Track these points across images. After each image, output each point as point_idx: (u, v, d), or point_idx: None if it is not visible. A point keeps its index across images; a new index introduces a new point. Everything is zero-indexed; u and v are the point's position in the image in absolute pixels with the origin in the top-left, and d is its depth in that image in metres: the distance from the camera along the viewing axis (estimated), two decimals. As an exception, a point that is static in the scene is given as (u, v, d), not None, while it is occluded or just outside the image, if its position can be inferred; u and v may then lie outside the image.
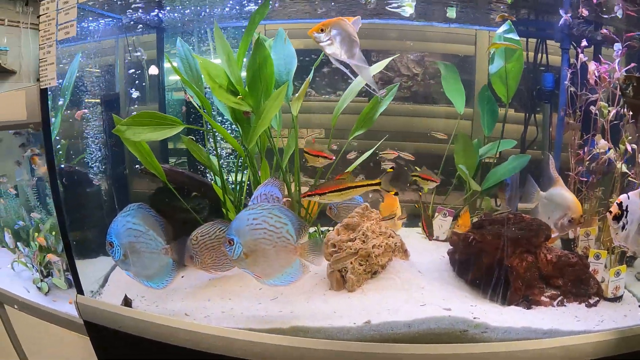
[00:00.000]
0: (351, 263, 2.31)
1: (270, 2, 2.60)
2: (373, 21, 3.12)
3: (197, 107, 2.59)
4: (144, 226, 2.11)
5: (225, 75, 2.47)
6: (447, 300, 2.28)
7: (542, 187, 2.59)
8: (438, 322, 2.14)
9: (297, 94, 2.62)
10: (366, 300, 2.28)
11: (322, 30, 1.85)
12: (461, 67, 3.83)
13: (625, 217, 2.10)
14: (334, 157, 2.56)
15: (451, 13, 2.63)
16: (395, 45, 3.87)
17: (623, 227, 2.11)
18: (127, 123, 2.28)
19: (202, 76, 2.49)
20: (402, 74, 4.10)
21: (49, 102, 2.42)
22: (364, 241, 2.37)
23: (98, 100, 2.82)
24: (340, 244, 2.37)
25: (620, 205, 2.09)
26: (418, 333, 2.12)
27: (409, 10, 2.66)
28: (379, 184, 2.16)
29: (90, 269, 2.66)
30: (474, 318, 2.17)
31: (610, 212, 2.09)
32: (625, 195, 2.10)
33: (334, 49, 1.89)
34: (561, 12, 2.61)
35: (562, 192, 2.52)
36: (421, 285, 2.35)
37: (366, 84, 2.32)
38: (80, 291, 2.55)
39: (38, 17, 2.42)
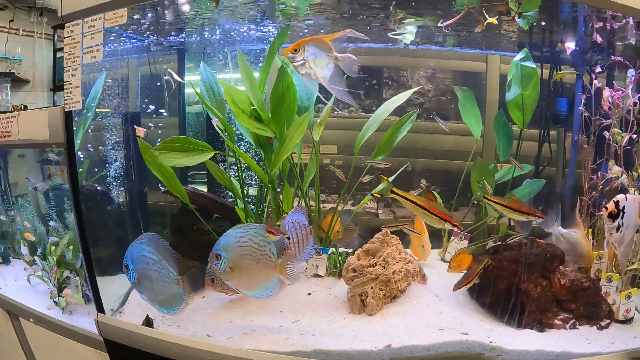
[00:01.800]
0: (372, 288, 2.35)
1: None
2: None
3: (220, 132, 2.63)
4: (157, 255, 2.20)
5: (249, 101, 2.51)
6: (464, 324, 2.33)
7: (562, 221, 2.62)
8: (456, 346, 2.20)
9: (318, 120, 2.66)
10: (386, 324, 2.33)
11: (295, 50, 1.84)
12: (472, 84, 3.88)
13: (621, 217, 2.14)
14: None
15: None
16: (407, 61, 3.92)
17: (618, 229, 2.16)
18: (161, 148, 2.32)
19: (226, 101, 2.53)
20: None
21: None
22: (384, 267, 2.42)
23: (119, 118, 2.84)
24: (361, 269, 2.41)
25: (617, 204, 2.12)
26: (437, 356, 2.17)
27: (409, 37, 2.70)
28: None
29: (109, 287, 2.69)
30: (490, 342, 2.23)
31: (606, 208, 2.12)
32: (623, 195, 2.14)
33: (307, 70, 1.89)
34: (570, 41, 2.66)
35: (580, 239, 2.56)
36: (439, 309, 2.41)
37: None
38: (100, 309, 2.59)
39: (53, 27, 2.44)
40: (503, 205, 2.43)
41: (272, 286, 2.18)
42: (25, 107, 4.20)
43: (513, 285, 2.50)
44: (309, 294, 2.64)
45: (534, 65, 2.72)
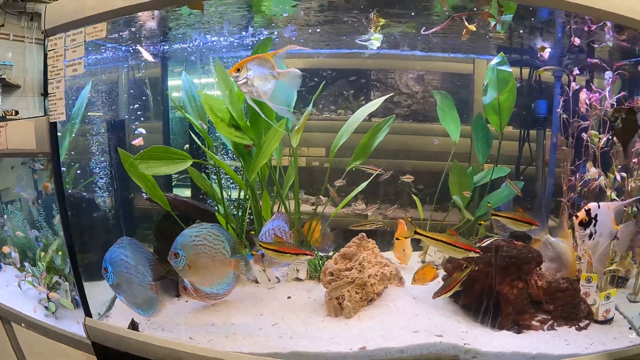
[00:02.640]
0: (348, 291, 2.40)
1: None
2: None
3: (197, 140, 2.69)
4: (134, 260, 2.32)
5: (227, 110, 2.56)
6: (440, 326, 2.37)
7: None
8: (430, 348, 2.23)
9: (297, 127, 2.71)
10: (362, 326, 2.38)
11: (238, 69, 1.90)
12: (460, 85, 3.91)
13: (594, 225, 2.15)
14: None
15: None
16: (395, 64, 3.96)
17: (591, 236, 2.17)
18: (141, 157, 2.39)
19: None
20: (401, 92, 4.19)
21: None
22: (360, 270, 2.46)
23: (103, 126, 2.91)
24: (338, 272, 2.46)
25: (588, 212, 2.13)
26: (411, 358, 2.21)
27: (376, 43, 2.75)
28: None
29: (97, 291, 2.76)
30: (465, 344, 2.26)
31: (577, 216, 2.14)
32: (595, 203, 2.14)
33: (248, 88, 1.95)
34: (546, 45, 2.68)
35: (566, 248, 2.58)
36: (415, 312, 2.44)
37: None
38: (88, 313, 2.66)
39: (42, 32, 2.51)
40: (511, 219, 2.45)
41: (228, 282, 2.33)
42: (17, 112, 4.28)
43: (489, 287, 2.53)
44: (289, 297, 2.69)
45: (510, 69, 2.75)
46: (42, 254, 2.93)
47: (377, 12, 2.69)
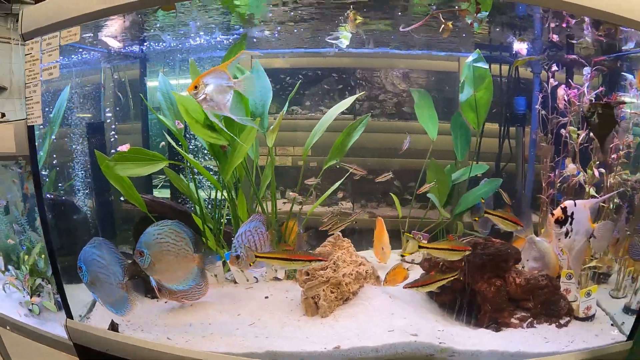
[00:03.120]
0: (323, 290, 2.40)
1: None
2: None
3: (172, 141, 2.71)
4: (105, 259, 2.36)
5: (201, 111, 2.57)
6: (416, 325, 2.36)
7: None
8: (405, 347, 2.23)
9: (272, 126, 2.72)
10: (337, 325, 2.38)
11: (196, 87, 1.92)
12: (445, 82, 3.90)
13: (570, 223, 2.14)
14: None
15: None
16: (380, 62, 3.96)
17: (567, 235, 2.15)
18: (116, 159, 2.41)
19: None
20: (387, 91, 4.19)
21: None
22: (335, 270, 2.46)
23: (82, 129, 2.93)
24: (313, 272, 2.46)
25: (564, 210, 2.12)
26: (386, 357, 2.21)
27: (345, 42, 2.75)
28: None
29: (78, 293, 2.78)
30: (440, 343, 2.25)
31: (553, 214, 2.12)
32: (571, 202, 2.13)
33: (209, 103, 1.98)
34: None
35: (551, 251, 2.57)
36: (391, 311, 2.44)
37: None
38: (69, 315, 2.68)
39: (20, 35, 2.52)
40: (501, 217, 2.45)
41: (193, 277, 2.35)
42: (3, 115, 4.30)
43: (467, 286, 2.53)
44: (267, 297, 2.70)
45: (486, 66, 2.74)
46: (26, 257, 2.96)
47: (354, 10, 2.68)
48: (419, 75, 4.12)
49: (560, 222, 2.18)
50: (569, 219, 2.17)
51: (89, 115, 2.98)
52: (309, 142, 2.81)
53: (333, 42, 2.74)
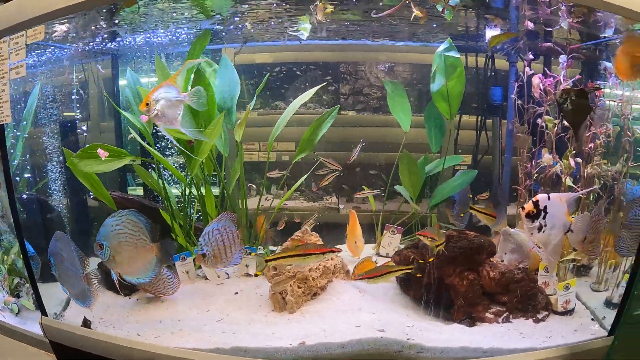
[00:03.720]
0: (290, 286, 2.37)
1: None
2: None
3: (137, 136, 2.71)
4: (67, 253, 2.38)
5: (168, 107, 2.56)
6: (384, 320, 2.32)
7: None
8: (371, 343, 2.19)
9: (239, 121, 2.69)
10: (304, 321, 2.35)
11: (147, 104, 1.92)
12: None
13: (543, 218, 2.05)
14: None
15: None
16: (365, 56, 3.92)
17: (540, 229, 2.07)
18: (79, 156, 2.41)
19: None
20: (371, 85, 4.15)
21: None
22: (301, 264, 2.43)
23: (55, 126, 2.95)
24: (280, 267, 2.43)
25: (536, 204, 2.03)
26: (352, 353, 2.17)
27: (305, 33, 2.72)
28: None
29: (55, 292, 2.80)
30: (408, 339, 2.21)
31: (523, 208, 2.04)
32: (544, 195, 2.02)
33: (162, 119, 1.99)
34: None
35: (526, 239, 2.50)
36: (359, 306, 2.40)
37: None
38: (44, 313, 2.70)
39: None
40: (485, 214, 2.47)
41: (152, 268, 2.32)
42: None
43: (439, 279, 2.48)
44: (236, 293, 2.68)
45: (457, 55, 2.68)
46: (5, 257, 2.98)
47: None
48: (404, 69, 4.08)
49: (532, 217, 2.09)
50: (542, 213, 2.09)
51: (63, 112, 3.00)
52: (273, 135, 2.78)
53: (294, 34, 2.71)
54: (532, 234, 2.11)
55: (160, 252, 2.31)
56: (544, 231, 2.07)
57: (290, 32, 2.73)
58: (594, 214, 2.20)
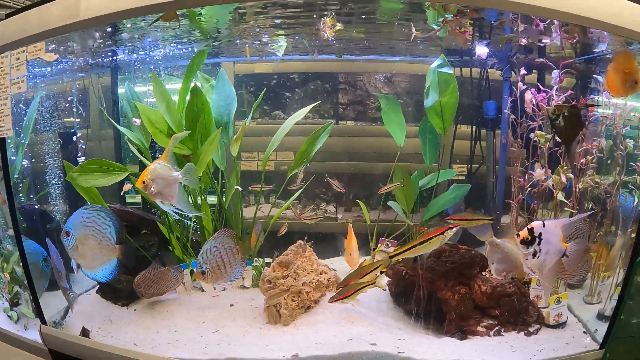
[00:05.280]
0: (284, 299, 2.41)
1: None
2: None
3: (133, 148, 2.76)
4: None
5: (165, 121, 2.61)
6: (376, 334, 2.36)
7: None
8: (362, 356, 2.22)
9: (235, 136, 2.74)
10: (298, 334, 2.39)
11: (144, 182, 1.97)
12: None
13: (538, 244, 2.08)
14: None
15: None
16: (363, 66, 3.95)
17: (535, 255, 2.10)
18: (79, 170, 2.47)
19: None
20: (370, 94, 4.18)
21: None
22: (295, 278, 2.47)
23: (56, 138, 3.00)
24: (275, 280, 2.47)
25: (531, 230, 2.07)
26: (344, 366, 2.21)
27: (280, 51, 2.76)
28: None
29: (54, 301, 2.85)
30: (399, 352, 2.24)
31: (518, 235, 2.08)
32: (540, 222, 2.06)
33: (160, 197, 2.04)
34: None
35: (514, 249, 2.51)
36: (352, 319, 2.44)
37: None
38: (43, 321, 2.75)
39: None
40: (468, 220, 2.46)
41: (110, 269, 2.38)
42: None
43: (431, 293, 2.51)
44: (232, 305, 2.72)
45: (451, 71, 2.71)
46: (5, 264, 3.04)
47: (333, 16, 2.67)
48: (403, 79, 4.11)
49: (526, 243, 2.12)
50: (537, 240, 2.11)
51: (65, 122, 3.05)
52: (269, 150, 2.83)
53: (273, 50, 2.76)
54: (527, 259, 2.14)
55: (122, 255, 2.36)
56: (538, 257, 2.10)
57: (270, 50, 2.77)
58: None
